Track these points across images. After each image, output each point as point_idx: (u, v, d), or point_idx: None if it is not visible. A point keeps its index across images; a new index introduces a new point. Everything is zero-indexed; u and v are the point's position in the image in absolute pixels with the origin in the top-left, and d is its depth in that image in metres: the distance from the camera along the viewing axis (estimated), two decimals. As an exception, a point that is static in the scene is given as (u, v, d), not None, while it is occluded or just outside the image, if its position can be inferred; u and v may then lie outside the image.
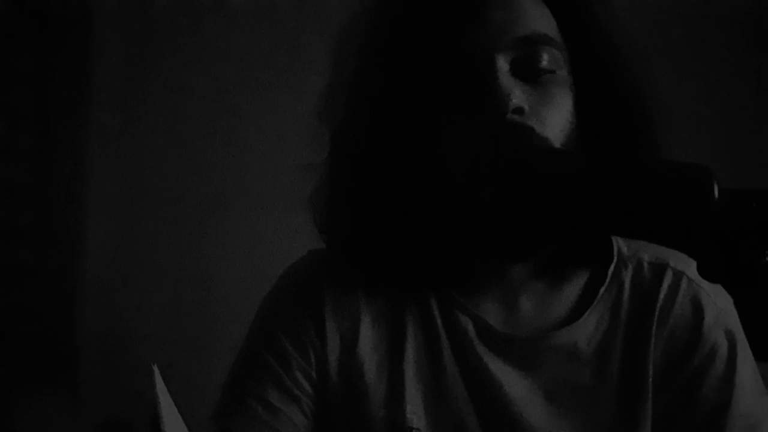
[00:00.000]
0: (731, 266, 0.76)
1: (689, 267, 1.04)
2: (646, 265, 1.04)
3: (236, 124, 2.49)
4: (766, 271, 0.75)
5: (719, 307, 1.03)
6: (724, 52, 2.47)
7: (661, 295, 1.02)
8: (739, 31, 2.48)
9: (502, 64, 0.95)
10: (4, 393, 2.19)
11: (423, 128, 0.98)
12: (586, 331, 1.02)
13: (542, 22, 0.98)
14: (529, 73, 0.96)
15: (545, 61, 0.97)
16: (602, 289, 1.03)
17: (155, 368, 0.80)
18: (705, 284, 1.03)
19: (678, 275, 1.03)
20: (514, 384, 1.00)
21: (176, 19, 2.50)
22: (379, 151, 0.99)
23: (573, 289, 1.04)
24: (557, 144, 0.96)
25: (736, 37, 2.48)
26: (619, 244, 1.06)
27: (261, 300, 1.09)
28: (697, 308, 1.02)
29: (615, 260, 1.05)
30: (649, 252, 1.05)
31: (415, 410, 1.00)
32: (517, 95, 0.94)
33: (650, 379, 1.00)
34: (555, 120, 0.96)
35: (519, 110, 0.94)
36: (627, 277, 1.04)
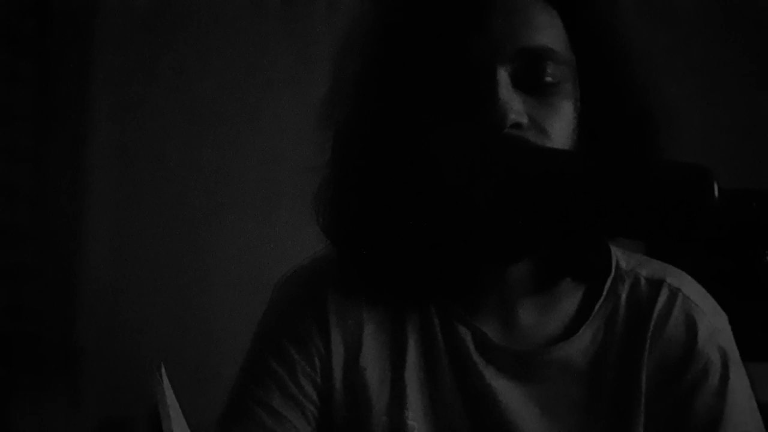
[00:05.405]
0: (731, 266, 0.76)
1: (686, 284, 1.05)
2: (643, 280, 1.04)
3: (238, 124, 2.49)
4: (766, 271, 0.75)
5: (713, 324, 1.03)
6: (724, 52, 2.47)
7: (656, 311, 1.02)
8: (739, 31, 2.48)
9: (503, 75, 0.93)
10: (5, 393, 2.19)
11: (422, 131, 0.97)
12: (581, 345, 1.02)
13: (548, 32, 0.96)
14: (531, 85, 0.95)
15: (549, 74, 0.95)
16: (598, 304, 1.03)
17: (162, 367, 0.81)
18: (700, 302, 1.04)
19: (674, 292, 1.03)
20: (509, 395, 1.00)
21: (177, 19, 2.50)
22: (380, 153, 0.99)
23: (571, 304, 1.04)
24: None
25: (735, 37, 2.48)
26: (618, 258, 1.06)
27: (261, 302, 1.09)
28: (691, 325, 1.02)
29: (612, 275, 1.04)
30: (648, 268, 1.05)
31: (415, 417, 1.01)
32: (516, 109, 0.92)
33: (643, 394, 1.00)
34: (558, 132, 0.95)
35: (517, 125, 0.92)
36: (623, 292, 1.04)
